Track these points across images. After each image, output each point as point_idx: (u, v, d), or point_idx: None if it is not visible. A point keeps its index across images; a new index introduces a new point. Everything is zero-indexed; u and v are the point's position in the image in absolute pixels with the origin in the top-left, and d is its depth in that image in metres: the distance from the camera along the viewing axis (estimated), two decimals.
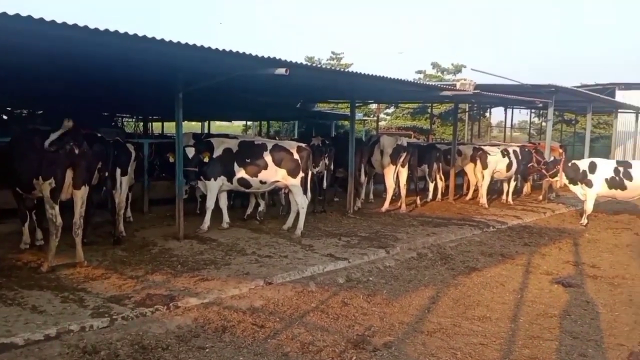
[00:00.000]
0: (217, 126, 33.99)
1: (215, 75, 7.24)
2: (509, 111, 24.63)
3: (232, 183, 8.32)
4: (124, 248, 7.02)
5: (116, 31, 4.74)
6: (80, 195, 6.02)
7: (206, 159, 8.13)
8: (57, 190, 5.72)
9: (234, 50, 5.90)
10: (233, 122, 34.95)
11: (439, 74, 33.97)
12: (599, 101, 15.95)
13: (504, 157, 12.64)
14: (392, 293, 5.82)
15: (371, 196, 12.66)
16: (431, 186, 12.77)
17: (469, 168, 12.90)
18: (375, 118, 27.66)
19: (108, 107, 18.30)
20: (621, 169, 10.09)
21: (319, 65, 29.55)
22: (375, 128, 23.90)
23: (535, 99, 12.78)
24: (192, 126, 25.34)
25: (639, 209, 12.25)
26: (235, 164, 8.20)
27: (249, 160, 8.13)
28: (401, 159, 10.61)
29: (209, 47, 5.63)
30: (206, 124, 25.45)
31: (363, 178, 11.35)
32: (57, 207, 5.79)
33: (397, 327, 4.83)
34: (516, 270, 6.97)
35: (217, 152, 8.30)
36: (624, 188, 10.04)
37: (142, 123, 23.69)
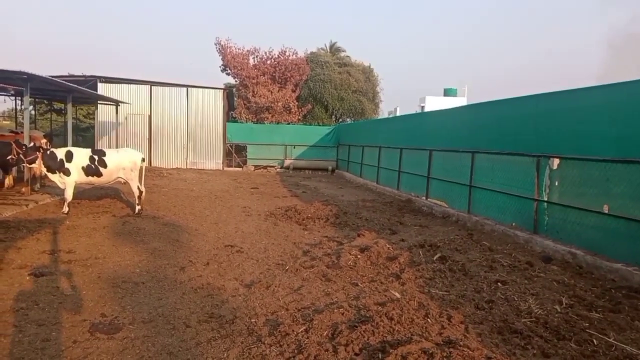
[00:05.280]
0: None
1: None
2: None
3: None
4: None
5: None
6: None
7: None
8: None
9: None
10: None
11: None
12: (78, 91, 16.46)
13: None
14: None
15: None
16: None
17: None
18: None
19: None
20: (96, 157, 10.82)
21: None
22: None
23: (8, 86, 11.91)
24: None
25: (119, 193, 13.60)
26: None
27: None
28: None
29: None
30: None
31: None
32: None
33: None
34: None
35: None
36: (100, 175, 10.83)
37: None
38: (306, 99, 34.65)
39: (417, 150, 15.16)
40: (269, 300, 5.71)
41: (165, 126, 25.89)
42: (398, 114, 44.67)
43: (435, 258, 7.38)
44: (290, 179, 22.85)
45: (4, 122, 38.53)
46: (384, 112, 45.47)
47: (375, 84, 39.91)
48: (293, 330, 4.73)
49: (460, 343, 4.31)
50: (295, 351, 4.32)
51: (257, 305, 5.56)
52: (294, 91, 31.24)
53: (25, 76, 11.96)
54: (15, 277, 6.20)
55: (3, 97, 24.05)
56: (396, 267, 6.97)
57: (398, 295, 5.72)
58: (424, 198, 14.10)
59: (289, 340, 4.53)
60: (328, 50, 42.04)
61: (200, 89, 26.15)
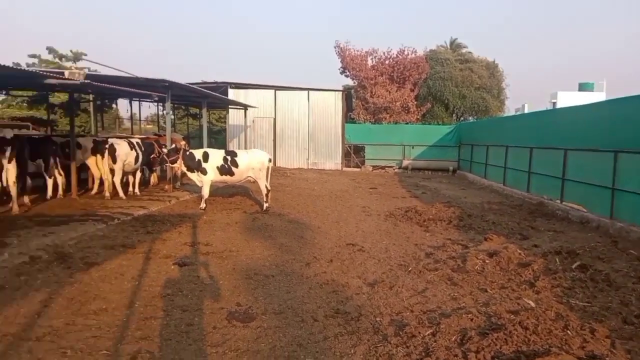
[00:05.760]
0: None
1: None
2: (136, 104, 24.77)
3: None
4: None
5: None
6: None
7: None
8: None
9: None
10: None
11: (57, 60, 31.05)
12: (211, 97, 17.80)
13: (131, 149, 12.71)
14: None
15: None
16: (50, 182, 11.65)
17: (91, 161, 12.39)
18: None
19: None
20: (229, 157, 11.63)
21: None
22: None
23: (152, 93, 13.28)
24: None
25: (248, 191, 14.47)
26: None
27: None
28: (5, 154, 9.27)
29: None
30: None
31: None
32: None
33: None
34: (137, 259, 7.15)
35: None
36: (232, 174, 11.62)
37: None
38: (425, 97, 33.95)
39: (550, 150, 14.07)
40: (393, 301, 5.68)
41: (288, 128, 27.00)
42: (526, 111, 41.85)
43: (574, 266, 6.77)
44: (409, 179, 22.54)
45: (148, 126, 42.85)
46: (510, 109, 43.01)
47: (500, 80, 37.88)
48: (419, 333, 4.66)
49: (607, 359, 3.93)
50: (423, 354, 4.25)
51: (382, 304, 5.56)
52: (412, 90, 30.76)
53: (167, 84, 13.24)
54: (162, 266, 6.88)
55: (148, 103, 26.81)
56: (529, 274, 6.53)
57: (532, 304, 5.35)
58: (558, 201, 13.04)
59: (415, 342, 4.47)
60: (448, 47, 40.79)
61: (320, 92, 26.85)
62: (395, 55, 30.78)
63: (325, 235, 9.39)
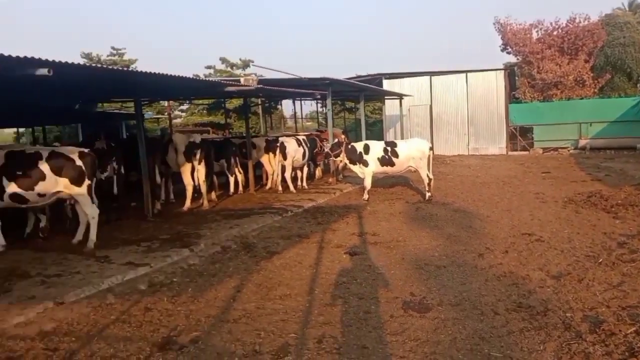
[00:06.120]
0: None
1: None
2: (297, 103, 26.22)
3: (2, 200, 7.24)
4: None
5: None
6: None
7: None
8: None
9: None
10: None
11: (229, 69, 34.36)
12: (368, 90, 18.05)
13: (299, 146, 13.56)
14: (197, 290, 5.84)
15: (172, 196, 12.39)
16: (231, 180, 13.01)
17: (264, 159, 13.48)
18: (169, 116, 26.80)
19: None
20: (389, 148, 11.69)
21: (98, 64, 27.33)
22: (169, 126, 23.17)
23: (314, 91, 13.95)
24: None
25: (408, 181, 14.41)
26: (4, 179, 7.16)
27: (21, 173, 7.17)
28: (196, 156, 10.57)
29: None
30: None
31: (159, 179, 11.01)
32: None
33: (203, 321, 4.90)
34: (311, 248, 7.60)
35: None
36: (392, 164, 11.67)
37: None
38: (603, 68, 30.00)
39: None
40: (584, 295, 5.15)
41: (445, 114, 26.16)
42: None
43: None
44: (587, 160, 20.21)
45: (307, 123, 45.25)
46: None
47: None
48: (620, 330, 4.16)
49: None
50: (627, 353, 3.80)
51: (571, 299, 5.07)
52: (587, 61, 27.42)
53: (328, 81, 13.80)
54: (335, 255, 7.19)
55: (308, 101, 28.28)
56: None
57: None
58: None
59: (616, 341, 4.01)
60: (627, 8, 35.47)
61: (479, 73, 25.45)
62: (564, 25, 27.75)
63: (496, 225, 8.89)
